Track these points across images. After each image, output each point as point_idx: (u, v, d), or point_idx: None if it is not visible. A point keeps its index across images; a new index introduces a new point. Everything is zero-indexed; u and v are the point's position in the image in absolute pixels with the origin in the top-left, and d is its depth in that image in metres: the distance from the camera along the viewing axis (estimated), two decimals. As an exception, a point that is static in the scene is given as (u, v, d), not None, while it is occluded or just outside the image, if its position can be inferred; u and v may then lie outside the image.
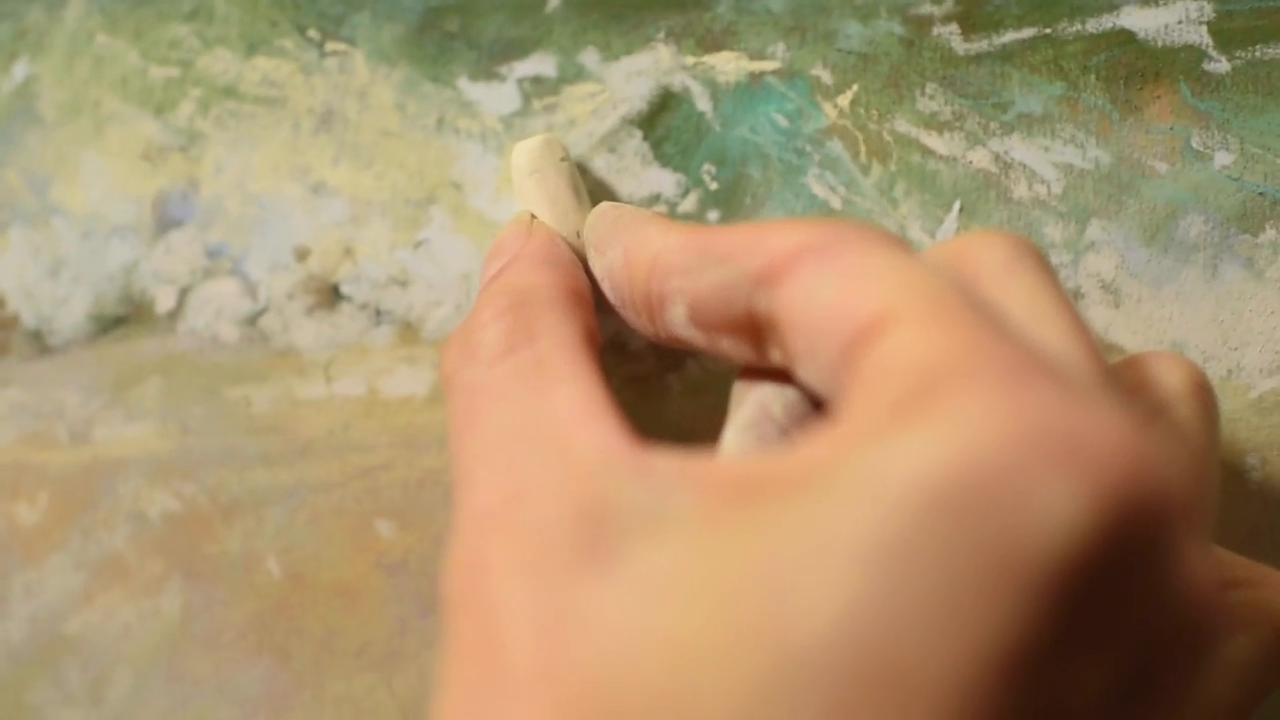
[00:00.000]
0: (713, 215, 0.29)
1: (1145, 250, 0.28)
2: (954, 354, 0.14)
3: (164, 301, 0.29)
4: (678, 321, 0.20)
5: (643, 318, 0.21)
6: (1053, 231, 0.28)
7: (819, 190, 0.28)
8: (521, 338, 0.20)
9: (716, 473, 0.16)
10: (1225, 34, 0.28)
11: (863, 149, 0.28)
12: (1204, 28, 0.28)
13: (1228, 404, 0.28)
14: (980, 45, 0.28)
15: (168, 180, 0.29)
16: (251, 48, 0.29)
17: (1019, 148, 0.28)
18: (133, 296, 0.29)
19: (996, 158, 0.28)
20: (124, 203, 0.29)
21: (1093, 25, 0.28)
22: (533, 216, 0.25)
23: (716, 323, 0.19)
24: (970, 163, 0.28)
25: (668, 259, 0.20)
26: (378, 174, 0.29)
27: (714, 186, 0.29)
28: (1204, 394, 0.20)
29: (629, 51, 0.29)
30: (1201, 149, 0.28)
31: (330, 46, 0.29)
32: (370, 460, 0.29)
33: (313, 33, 0.29)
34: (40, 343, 0.30)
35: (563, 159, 0.26)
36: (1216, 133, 0.28)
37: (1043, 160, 0.28)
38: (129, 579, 0.29)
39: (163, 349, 0.29)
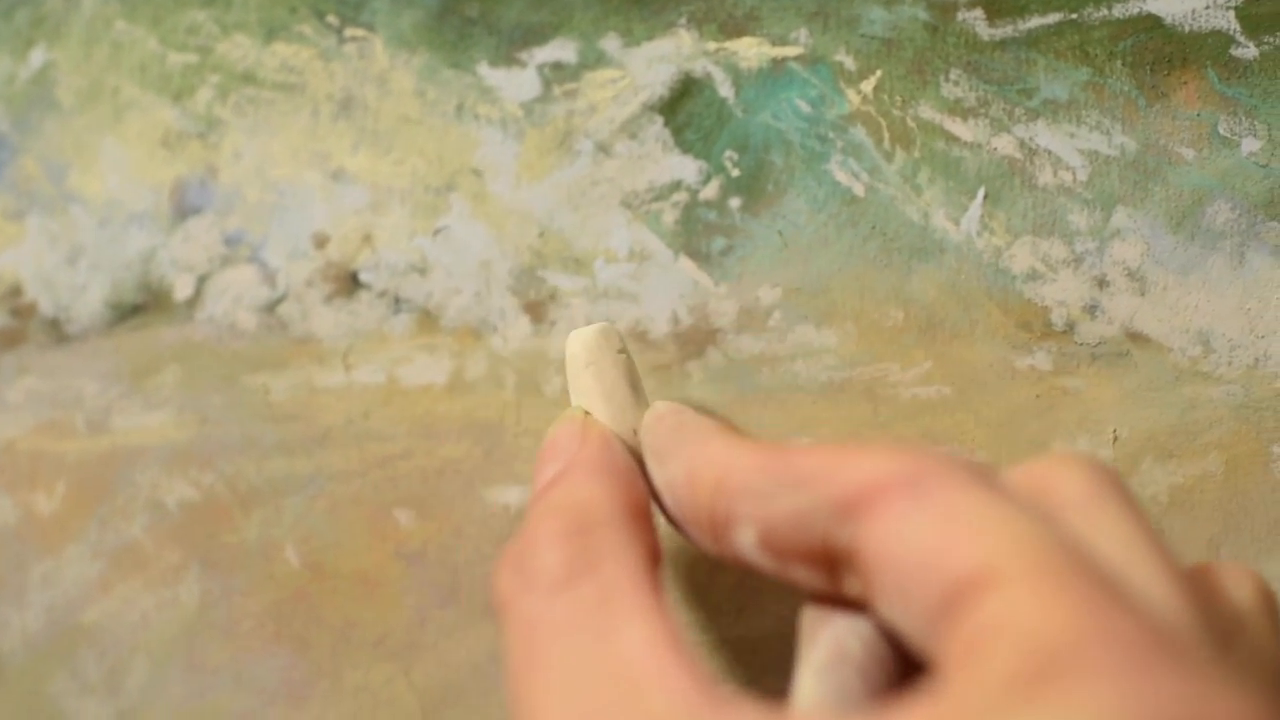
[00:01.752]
0: (734, 202, 0.28)
1: (1172, 237, 0.28)
2: (1070, 627, 0.14)
3: (182, 289, 0.29)
4: (745, 545, 0.19)
5: (705, 537, 0.20)
6: (1078, 219, 0.28)
7: (842, 177, 0.28)
8: (583, 565, 0.18)
9: None
10: (1253, 19, 0.28)
11: (886, 135, 0.28)
12: (1231, 13, 0.28)
13: (1254, 392, 0.28)
14: (1005, 30, 0.28)
15: (186, 167, 0.29)
16: (270, 33, 0.29)
17: (1044, 134, 0.28)
18: (151, 284, 0.29)
19: (1021, 144, 0.28)
20: (142, 190, 0.29)
21: (1119, 10, 0.28)
22: (586, 413, 0.24)
23: (790, 551, 0.18)
24: (995, 149, 0.28)
25: (736, 480, 0.19)
26: (397, 160, 0.29)
27: (736, 173, 0.28)
28: (1273, 609, 0.19)
29: (650, 37, 0.28)
30: (1229, 135, 0.28)
31: (349, 32, 0.29)
32: (389, 449, 0.29)
33: (332, 18, 0.29)
34: (58, 331, 0.29)
35: (620, 350, 0.25)
36: (1244, 119, 0.28)
37: (1068, 147, 0.28)
38: (147, 568, 0.29)
39: (181, 337, 0.29)
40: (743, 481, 0.19)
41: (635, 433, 0.23)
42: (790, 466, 0.18)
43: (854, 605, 0.18)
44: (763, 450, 0.19)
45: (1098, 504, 0.17)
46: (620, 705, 0.16)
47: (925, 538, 0.16)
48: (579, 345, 0.24)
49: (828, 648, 0.18)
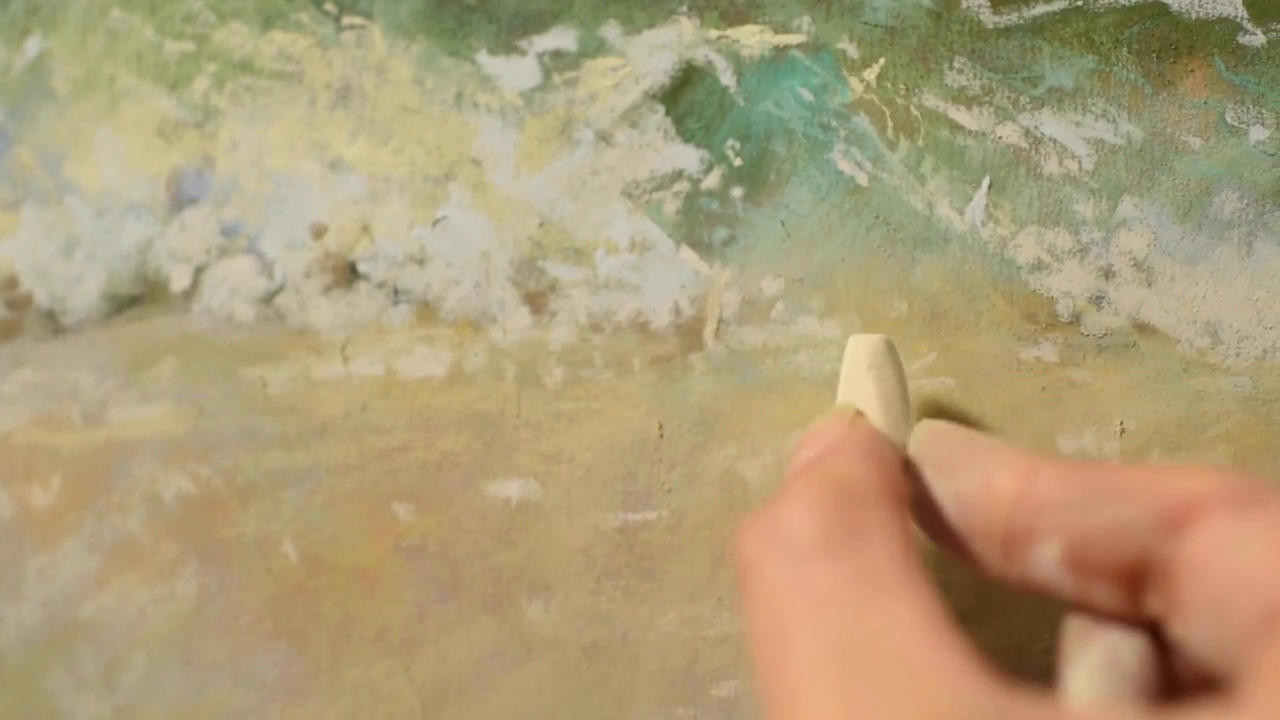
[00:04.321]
0: (736, 191, 0.28)
1: (1179, 227, 0.28)
2: None
3: (179, 280, 0.29)
4: (1046, 559, 0.18)
5: (994, 551, 0.19)
6: (1084, 208, 0.28)
7: (845, 166, 0.28)
8: (847, 535, 0.18)
9: None
10: (1260, 6, 0.27)
11: (890, 124, 0.28)
12: None
13: (1263, 384, 0.27)
14: (1010, 18, 0.28)
15: (183, 157, 0.29)
16: (267, 22, 0.29)
17: (1049, 122, 0.28)
18: (147, 275, 0.29)
19: (1027, 132, 0.28)
20: (138, 180, 0.29)
21: (1125, -3, 0.28)
22: (857, 412, 0.23)
23: (1099, 565, 0.18)
24: (1000, 138, 0.28)
25: (1044, 491, 0.18)
26: (395, 150, 0.28)
27: (738, 162, 0.28)
28: None
29: (651, 25, 0.28)
30: (1236, 123, 0.28)
31: (347, 20, 0.28)
32: (388, 442, 0.28)
33: (329, 6, 0.29)
34: (54, 322, 0.29)
35: (900, 365, 0.24)
36: (1252, 107, 0.28)
37: (1074, 135, 0.28)
38: (143, 562, 0.29)
39: (177, 328, 0.29)
40: (1052, 493, 0.18)
41: (902, 447, 0.23)
42: (1109, 479, 0.18)
43: (1127, 622, 0.18)
44: (1072, 465, 0.18)
45: None
46: (893, 682, 0.15)
47: (1252, 553, 0.15)
48: (864, 348, 0.24)
49: (1102, 654, 0.18)
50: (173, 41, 0.29)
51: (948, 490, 0.20)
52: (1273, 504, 0.16)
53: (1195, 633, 0.17)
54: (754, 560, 0.18)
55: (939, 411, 0.28)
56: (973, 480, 0.20)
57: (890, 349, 0.25)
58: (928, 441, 0.22)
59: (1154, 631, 0.18)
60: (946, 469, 0.21)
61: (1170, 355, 0.27)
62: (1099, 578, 0.18)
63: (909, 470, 0.22)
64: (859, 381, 0.24)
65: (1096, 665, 0.18)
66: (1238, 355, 0.27)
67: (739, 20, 0.28)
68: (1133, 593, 0.18)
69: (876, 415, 0.23)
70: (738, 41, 0.28)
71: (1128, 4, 0.28)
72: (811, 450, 0.22)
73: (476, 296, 0.28)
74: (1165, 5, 0.28)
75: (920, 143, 0.28)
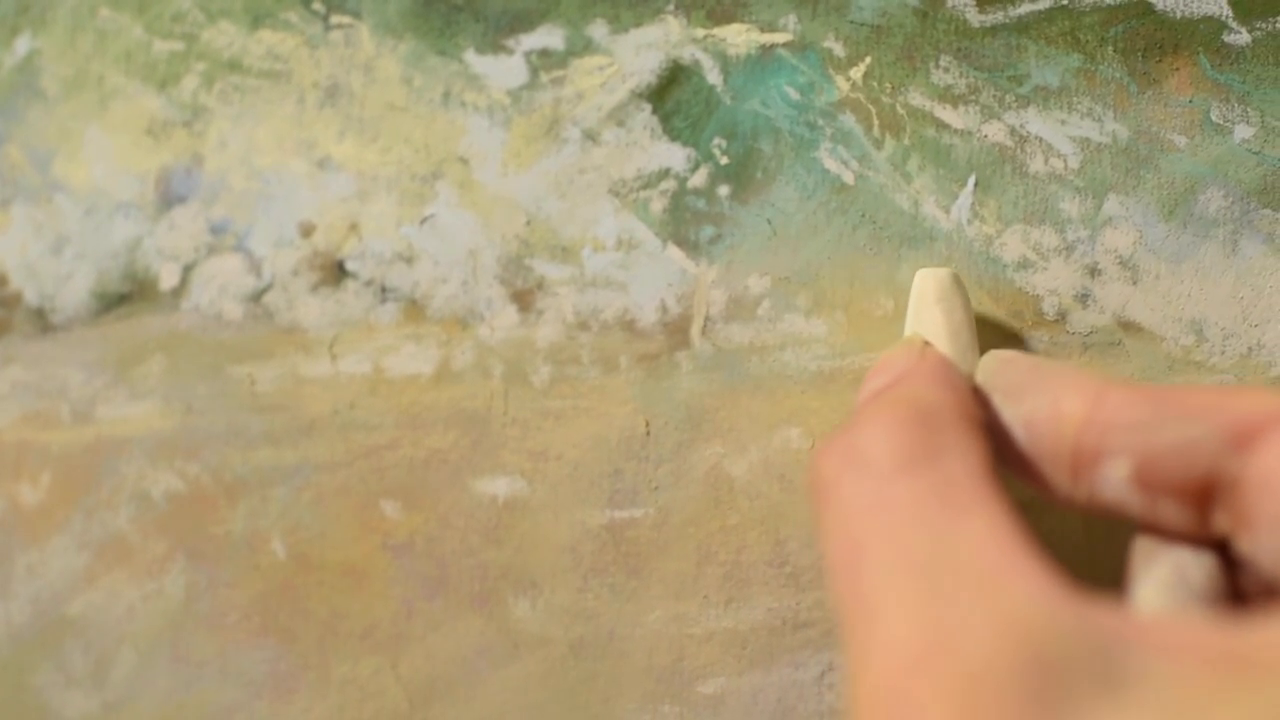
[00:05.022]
0: (723, 190, 0.28)
1: (1164, 225, 0.28)
2: None
3: (167, 278, 0.29)
4: (1114, 479, 0.18)
5: (1063, 473, 0.20)
6: (1069, 206, 0.28)
7: (831, 165, 0.28)
8: (924, 453, 0.18)
9: (1187, 639, 0.14)
10: (1245, 4, 0.27)
11: (876, 122, 0.28)
12: (1224, -1, 0.28)
13: (1248, 382, 0.28)
14: (996, 16, 0.28)
15: (171, 155, 0.29)
16: (256, 21, 0.29)
17: (1035, 121, 0.28)
18: (136, 273, 0.29)
19: (1012, 131, 0.28)
20: (127, 178, 0.29)
21: (1110, -4, 0.28)
22: (925, 343, 0.24)
23: (1168, 483, 0.18)
24: (985, 136, 0.28)
25: (1112, 411, 0.18)
26: (383, 148, 0.28)
27: (724, 161, 0.28)
28: None
29: (638, 23, 0.28)
30: (1221, 122, 0.28)
31: (335, 19, 0.29)
32: (375, 439, 0.29)
33: (318, 5, 0.29)
34: (43, 320, 0.29)
35: (967, 298, 0.25)
36: (1237, 105, 0.28)
37: (1059, 134, 0.28)
38: (132, 559, 0.29)
39: (166, 326, 0.29)
40: (1121, 413, 0.18)
41: (970, 377, 0.23)
42: (1176, 399, 0.18)
43: (1194, 541, 0.18)
44: (1140, 387, 0.19)
45: None
46: (972, 594, 0.15)
47: None
48: (932, 281, 0.25)
49: (1170, 570, 0.18)
50: (161, 40, 0.29)
51: (1016, 415, 0.21)
52: None
53: (1263, 548, 0.17)
54: (832, 480, 0.18)
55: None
56: (1041, 403, 0.20)
57: (958, 282, 0.25)
58: (995, 369, 0.22)
59: (1221, 549, 0.18)
60: (1015, 394, 0.21)
61: (1155, 353, 0.28)
62: (1167, 496, 0.18)
63: (978, 397, 0.22)
64: (927, 314, 0.24)
65: (1164, 581, 0.18)
66: (1223, 353, 0.27)
67: (725, 19, 0.28)
68: (1201, 510, 0.18)
69: (945, 346, 0.24)
70: (724, 40, 0.28)
71: (1113, 3, 0.28)
72: (882, 379, 0.22)
73: (464, 294, 0.28)
74: (1150, 4, 0.28)
75: (906, 141, 0.28)
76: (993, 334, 0.28)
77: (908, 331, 0.25)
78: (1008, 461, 0.21)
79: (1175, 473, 0.18)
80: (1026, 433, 0.20)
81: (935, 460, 0.18)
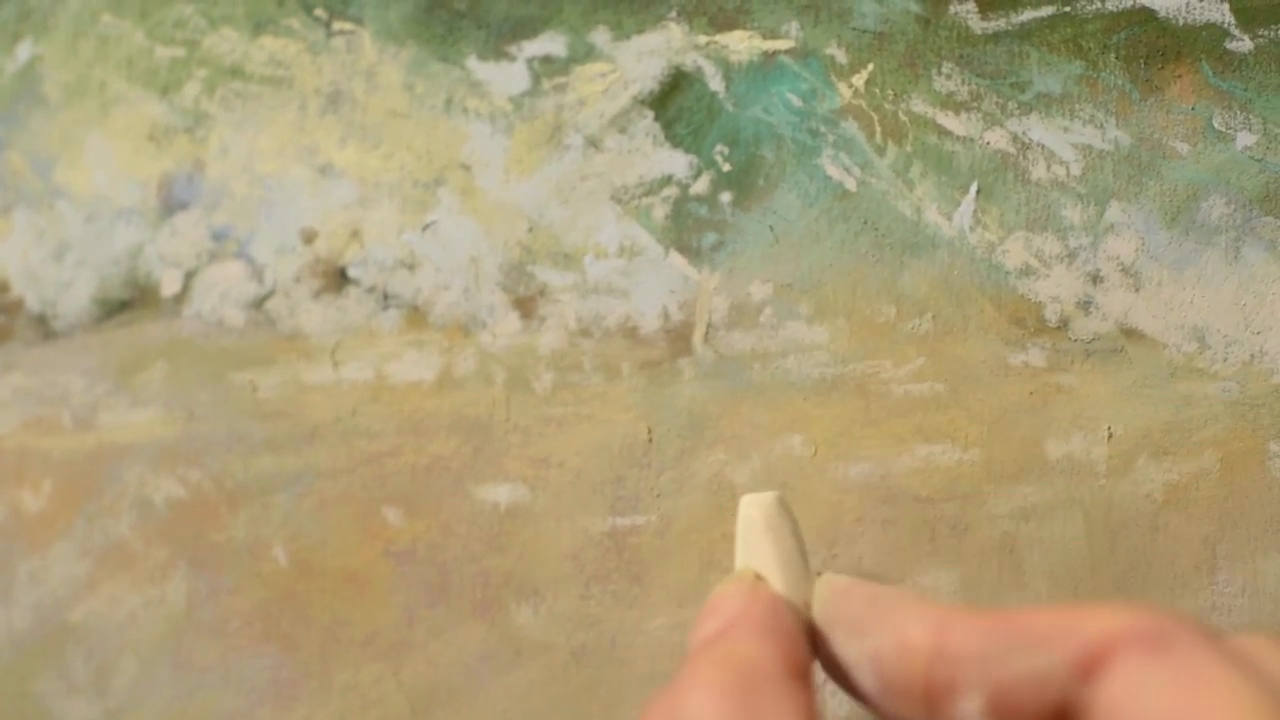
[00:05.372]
0: (725, 196, 0.28)
1: (1166, 232, 0.28)
2: None
3: (169, 285, 0.29)
4: (969, 712, 0.18)
5: (916, 707, 0.19)
6: (1071, 213, 0.28)
7: (833, 172, 0.28)
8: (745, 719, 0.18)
9: None
10: (1248, 12, 0.27)
11: (878, 129, 0.28)
12: (1225, 5, 0.28)
13: (1250, 389, 0.28)
14: (998, 23, 0.28)
15: (173, 162, 0.29)
16: (258, 27, 0.29)
17: (1037, 128, 0.28)
18: (138, 280, 0.29)
19: (1014, 138, 0.28)
20: (129, 185, 0.29)
21: (1112, 3, 0.28)
22: (758, 575, 0.23)
23: (1023, 714, 0.18)
24: (988, 143, 0.28)
25: (958, 644, 0.18)
26: (385, 155, 0.28)
27: (726, 168, 0.28)
28: None
29: (640, 30, 0.28)
30: (1223, 129, 0.28)
31: (337, 26, 0.29)
32: (378, 446, 0.28)
33: (320, 11, 0.29)
34: (44, 327, 0.29)
35: (795, 521, 0.24)
36: (1239, 113, 0.28)
37: (1061, 141, 0.28)
38: (134, 566, 0.29)
39: (168, 333, 0.29)
40: (967, 646, 0.18)
41: (805, 605, 0.23)
42: (1021, 627, 0.18)
43: None
44: (984, 614, 0.18)
45: None
46: None
47: (1166, 697, 0.16)
48: (758, 510, 0.24)
49: None
50: (163, 47, 0.29)
51: (862, 650, 0.21)
52: (1179, 646, 0.16)
53: None
54: None
55: (924, 415, 0.28)
56: (885, 639, 0.20)
57: (783, 506, 0.25)
58: (833, 601, 0.22)
59: None
60: (857, 629, 0.21)
61: (1158, 360, 0.28)
62: None
63: (817, 633, 0.22)
64: (757, 544, 0.24)
65: None
66: (1225, 360, 0.27)
67: (728, 26, 0.28)
68: None
69: (776, 577, 0.24)
70: (726, 47, 0.28)
71: (1115, 10, 0.28)
72: (711, 624, 0.22)
73: (466, 301, 0.28)
74: (1152, 11, 0.28)
75: (908, 148, 0.28)
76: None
77: (738, 563, 0.25)
78: (860, 695, 0.21)
79: (1028, 704, 0.17)
80: (874, 668, 0.20)
81: None
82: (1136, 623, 0.16)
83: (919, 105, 0.28)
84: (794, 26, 0.28)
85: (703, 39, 0.28)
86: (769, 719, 0.18)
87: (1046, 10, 0.28)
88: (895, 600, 0.20)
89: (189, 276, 0.29)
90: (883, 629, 0.20)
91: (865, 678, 0.20)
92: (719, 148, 0.28)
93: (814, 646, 0.22)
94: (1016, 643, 0.18)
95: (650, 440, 0.28)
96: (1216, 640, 0.16)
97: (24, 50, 0.29)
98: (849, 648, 0.21)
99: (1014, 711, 0.18)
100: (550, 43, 0.28)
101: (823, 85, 0.28)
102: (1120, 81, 0.28)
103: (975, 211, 0.28)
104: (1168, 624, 0.16)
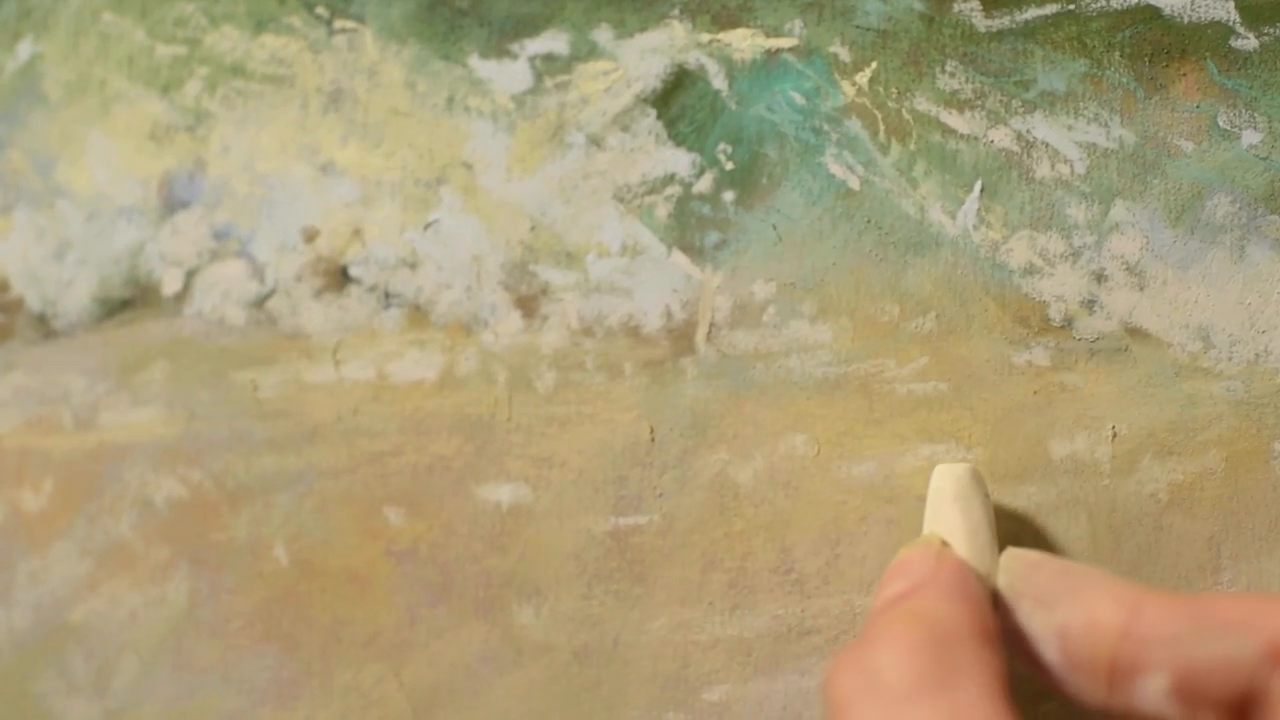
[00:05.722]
0: (728, 195, 0.28)
1: (1171, 231, 0.28)
2: None
3: (170, 284, 0.29)
4: (1152, 692, 0.18)
5: (1099, 683, 0.19)
6: (1076, 212, 0.28)
7: (837, 170, 0.28)
8: (939, 677, 0.18)
9: None
10: (1253, 9, 0.27)
11: (882, 128, 0.28)
12: (1230, 3, 0.27)
13: (1255, 388, 0.27)
14: (1002, 21, 0.28)
15: (174, 160, 0.29)
16: (259, 25, 0.29)
17: (1041, 126, 0.28)
18: (139, 279, 0.29)
19: (1019, 136, 0.28)
20: (130, 183, 0.29)
21: (1117, 1, 0.28)
22: (943, 543, 0.23)
23: (1207, 697, 0.18)
24: (992, 141, 0.28)
25: (1150, 625, 0.18)
26: (387, 153, 0.28)
27: (730, 166, 0.28)
28: None
29: (643, 28, 0.28)
30: (1229, 127, 0.27)
31: (339, 24, 0.28)
32: (379, 446, 0.28)
33: (321, 10, 0.29)
34: (45, 326, 0.29)
35: (986, 495, 0.24)
36: (1244, 111, 0.27)
37: (1066, 139, 0.28)
38: (135, 566, 0.29)
39: (169, 332, 0.29)
40: (1159, 627, 0.18)
41: (989, 576, 0.23)
42: (1215, 612, 0.18)
43: None
44: (1177, 597, 0.19)
45: None
46: None
47: None
48: (949, 479, 0.25)
49: None
50: (164, 45, 0.29)
51: (1049, 623, 0.21)
52: None
53: None
54: (848, 700, 0.18)
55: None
56: (1075, 613, 0.20)
57: (976, 478, 0.25)
58: (1022, 573, 0.22)
59: None
60: (1047, 601, 0.21)
61: (1162, 359, 0.27)
62: (1207, 709, 0.18)
63: (1001, 603, 0.22)
64: (945, 512, 0.24)
65: None
66: (1230, 359, 0.27)
67: (731, 24, 0.28)
68: None
69: (962, 546, 0.23)
70: (729, 45, 0.28)
71: (1120, 7, 0.28)
72: (899, 585, 0.22)
73: (468, 300, 0.28)
74: (1157, 9, 0.28)
75: (912, 146, 0.28)
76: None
77: (926, 529, 0.25)
78: (1038, 668, 0.21)
79: (1215, 687, 0.18)
80: (1060, 642, 0.20)
81: (949, 685, 0.18)
82: None
83: (922, 103, 0.28)
84: (797, 24, 0.28)
85: (705, 37, 0.28)
86: (962, 677, 0.18)
87: (1051, 8, 0.28)
88: (1088, 577, 0.20)
89: (190, 275, 0.29)
90: (1073, 603, 0.20)
91: (1049, 651, 0.20)
92: (722, 146, 0.28)
93: (998, 616, 0.21)
94: (1210, 627, 0.18)
95: (653, 440, 0.28)
96: None
97: (24, 48, 0.29)
98: (1035, 619, 0.21)
99: (1199, 694, 0.18)
100: (552, 41, 0.28)
101: (826, 83, 0.28)
102: (1125, 79, 0.28)
103: (979, 210, 0.28)
104: None
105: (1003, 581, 0.22)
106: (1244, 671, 0.17)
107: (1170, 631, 0.18)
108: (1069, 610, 0.20)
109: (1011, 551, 0.23)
